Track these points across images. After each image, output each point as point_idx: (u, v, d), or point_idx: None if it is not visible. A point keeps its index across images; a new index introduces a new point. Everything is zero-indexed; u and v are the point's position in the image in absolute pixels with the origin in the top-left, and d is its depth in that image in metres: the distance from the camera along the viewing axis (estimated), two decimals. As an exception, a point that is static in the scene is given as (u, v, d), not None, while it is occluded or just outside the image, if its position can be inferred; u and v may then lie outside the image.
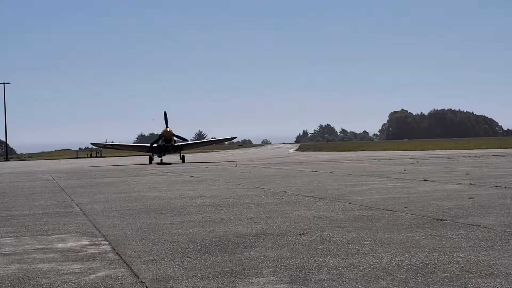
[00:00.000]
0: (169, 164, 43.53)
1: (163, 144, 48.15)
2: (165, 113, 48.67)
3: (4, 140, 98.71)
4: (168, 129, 48.15)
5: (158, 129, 49.59)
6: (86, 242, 9.03)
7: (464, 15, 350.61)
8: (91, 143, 63.45)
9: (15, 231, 10.48)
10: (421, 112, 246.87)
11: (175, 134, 48.58)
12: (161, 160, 47.40)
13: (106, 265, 7.29)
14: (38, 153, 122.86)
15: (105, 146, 62.50)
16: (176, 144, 48.98)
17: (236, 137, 58.61)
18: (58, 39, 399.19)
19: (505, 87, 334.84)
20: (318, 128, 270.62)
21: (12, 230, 10.62)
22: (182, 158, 47.79)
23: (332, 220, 10.43)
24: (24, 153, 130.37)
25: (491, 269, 6.44)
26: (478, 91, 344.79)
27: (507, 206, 11.60)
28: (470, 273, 6.31)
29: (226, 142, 72.93)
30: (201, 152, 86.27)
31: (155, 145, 49.36)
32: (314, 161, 42.17)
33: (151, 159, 47.99)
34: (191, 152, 72.52)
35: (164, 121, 48.64)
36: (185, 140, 51.55)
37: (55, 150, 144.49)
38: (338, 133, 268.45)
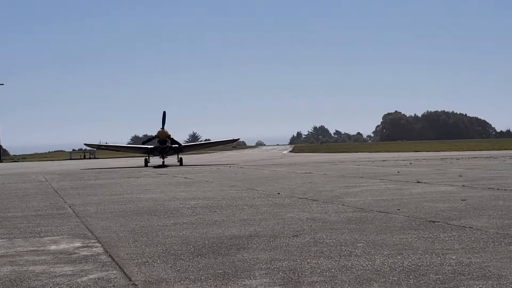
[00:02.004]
0: (165, 166, 42.65)
1: (159, 146, 46.02)
2: (164, 113, 46.96)
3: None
4: (163, 130, 46.24)
5: (153, 131, 47.34)
6: (78, 244, 9.01)
7: (458, 17, 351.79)
8: (84, 144, 60.46)
9: (8, 233, 10.45)
10: (415, 114, 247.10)
11: (170, 136, 46.34)
12: (163, 162, 44.99)
13: (98, 267, 7.28)
14: (32, 155, 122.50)
15: (99, 147, 60.65)
16: (173, 146, 46.69)
17: (238, 139, 56.12)
18: (53, 40, 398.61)
19: (498, 89, 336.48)
20: (312, 129, 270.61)
21: (4, 232, 10.58)
22: (180, 161, 45.34)
23: (325, 222, 10.44)
24: (17, 154, 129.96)
25: (483, 271, 6.46)
26: (471, 93, 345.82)
27: (500, 208, 11.63)
28: (462, 275, 6.32)
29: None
30: (195, 154, 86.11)
31: (151, 146, 47.23)
32: (308, 162, 42.18)
33: (146, 162, 45.42)
34: (185, 154, 72.13)
35: (161, 121, 46.76)
36: (179, 144, 48.57)
37: (49, 152, 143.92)
38: (332, 135, 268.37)
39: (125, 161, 60.42)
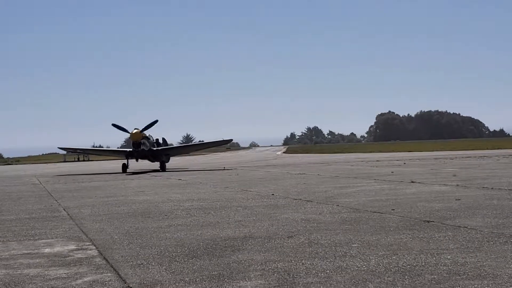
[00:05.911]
0: (164, 171, 38.09)
1: (134, 150, 40.27)
2: (113, 125, 40.83)
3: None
4: (133, 132, 39.62)
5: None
6: (73, 247, 8.99)
7: (450, 17, 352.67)
8: (59, 148, 51.25)
9: (1, 236, 10.40)
10: (408, 114, 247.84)
11: (147, 136, 40.36)
12: (161, 167, 39.25)
13: (93, 270, 7.25)
14: (25, 157, 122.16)
15: (75, 151, 56.76)
16: (156, 148, 41.04)
17: (231, 140, 54.19)
18: (48, 42, 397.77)
19: (491, 89, 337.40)
20: (306, 130, 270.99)
21: (-2, 235, 10.54)
22: (162, 166, 38.78)
23: (319, 223, 10.44)
24: (11, 157, 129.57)
25: (479, 270, 6.46)
26: (464, 93, 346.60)
27: (494, 207, 11.65)
28: (457, 275, 6.32)
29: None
30: (188, 155, 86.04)
31: (130, 150, 41.13)
32: (302, 163, 42.21)
33: (125, 167, 39.07)
34: (178, 156, 71.71)
35: (122, 131, 40.96)
36: (154, 123, 40.49)
37: (42, 154, 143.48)
38: (326, 135, 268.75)
39: (120, 164, 60.16)
